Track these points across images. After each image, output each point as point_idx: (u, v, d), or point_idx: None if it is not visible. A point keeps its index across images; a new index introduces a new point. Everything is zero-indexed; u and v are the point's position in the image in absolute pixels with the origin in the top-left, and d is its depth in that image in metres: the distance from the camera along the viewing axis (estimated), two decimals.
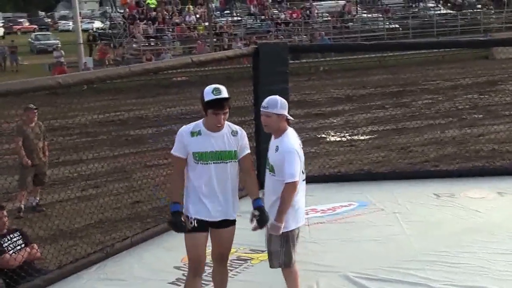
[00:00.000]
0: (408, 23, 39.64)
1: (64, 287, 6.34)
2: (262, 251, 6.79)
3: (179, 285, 6.16)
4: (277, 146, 5.10)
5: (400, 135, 13.25)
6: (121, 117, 17.47)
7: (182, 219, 4.83)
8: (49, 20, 73.74)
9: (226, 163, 4.89)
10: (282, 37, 34.59)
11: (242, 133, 5.01)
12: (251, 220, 5.05)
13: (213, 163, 4.84)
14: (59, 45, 37.15)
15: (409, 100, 19.19)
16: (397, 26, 39.60)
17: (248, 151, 5.06)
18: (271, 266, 5.38)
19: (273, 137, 5.25)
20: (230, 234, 5.16)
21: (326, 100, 19.81)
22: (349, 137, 14.26)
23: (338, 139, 14.24)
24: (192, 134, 4.84)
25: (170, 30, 35.37)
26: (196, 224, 4.92)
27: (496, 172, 9.80)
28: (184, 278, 6.26)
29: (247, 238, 7.27)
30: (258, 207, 5.02)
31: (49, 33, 52.42)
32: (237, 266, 6.48)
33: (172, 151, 4.92)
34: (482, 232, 7.24)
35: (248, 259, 6.71)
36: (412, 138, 12.53)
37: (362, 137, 14.05)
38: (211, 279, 5.55)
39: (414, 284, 5.95)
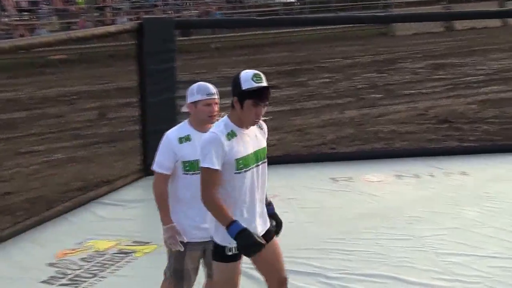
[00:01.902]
0: None
1: None
2: (146, 243, 6.78)
3: (52, 284, 6.02)
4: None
5: (297, 116, 13.39)
6: None
7: (254, 236, 4.09)
8: None
9: (264, 162, 4.33)
10: (171, 12, 34.33)
11: (265, 125, 4.42)
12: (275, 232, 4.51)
13: (255, 166, 4.25)
14: None
15: (305, 79, 19.41)
16: (293, 0, 39.98)
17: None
18: None
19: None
20: (277, 247, 4.50)
21: (218, 80, 19.64)
22: None
23: None
24: (228, 136, 4.14)
25: (46, 3, 34.47)
26: (236, 251, 4.21)
27: (395, 154, 10.07)
28: (59, 276, 6.19)
29: (129, 229, 7.29)
30: (273, 214, 4.54)
31: None
32: (119, 260, 6.39)
33: (208, 165, 4.10)
34: (380, 217, 7.43)
35: (131, 252, 6.62)
36: (308, 120, 12.69)
37: None
38: None
39: (309, 274, 6.03)
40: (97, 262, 6.46)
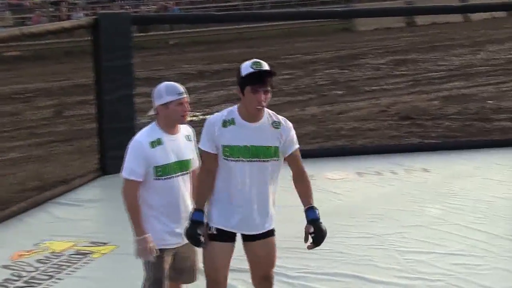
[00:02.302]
0: None
1: None
2: (103, 244, 6.74)
3: (7, 287, 5.95)
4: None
5: None
6: None
7: (200, 232, 4.38)
8: None
9: (266, 162, 4.42)
10: (128, 7, 34.17)
11: (287, 124, 4.49)
12: (306, 239, 4.65)
13: (248, 161, 4.34)
14: None
15: None
16: None
17: (297, 146, 4.55)
18: (195, 280, 4.89)
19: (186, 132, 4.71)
20: (269, 247, 4.73)
21: (176, 77, 19.68)
22: (202, 117, 14.27)
23: (189, 119, 14.22)
24: (225, 123, 4.33)
25: None
26: (215, 232, 4.45)
27: (357, 152, 10.15)
28: (14, 278, 6.12)
29: (86, 230, 7.24)
30: (313, 220, 4.61)
31: None
32: (76, 261, 6.33)
33: (200, 145, 4.42)
34: (341, 215, 7.45)
35: (88, 253, 6.57)
36: None
37: None
38: None
39: None
40: (54, 264, 6.40)
